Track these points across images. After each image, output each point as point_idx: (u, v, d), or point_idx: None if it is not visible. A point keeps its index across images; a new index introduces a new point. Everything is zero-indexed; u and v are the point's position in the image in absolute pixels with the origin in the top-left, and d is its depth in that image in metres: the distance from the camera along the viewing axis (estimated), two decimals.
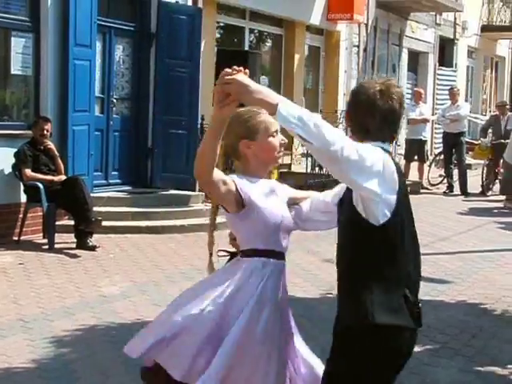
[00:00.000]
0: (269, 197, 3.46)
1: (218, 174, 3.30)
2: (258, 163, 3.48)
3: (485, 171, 15.91)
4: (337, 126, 14.57)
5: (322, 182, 13.78)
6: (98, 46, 11.13)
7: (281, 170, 14.60)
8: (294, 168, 14.72)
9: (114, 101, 11.63)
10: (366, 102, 3.18)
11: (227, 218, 3.47)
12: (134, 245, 9.61)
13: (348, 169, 2.93)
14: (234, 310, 3.30)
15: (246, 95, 3.02)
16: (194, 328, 3.28)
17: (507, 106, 16.78)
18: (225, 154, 3.48)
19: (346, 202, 3.20)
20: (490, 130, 16.42)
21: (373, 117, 3.16)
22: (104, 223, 9.63)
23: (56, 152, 9.64)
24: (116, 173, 11.78)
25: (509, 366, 5.64)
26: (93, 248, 9.09)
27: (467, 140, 17.07)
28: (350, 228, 3.18)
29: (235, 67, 3.08)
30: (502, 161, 14.31)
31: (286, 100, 2.97)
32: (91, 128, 10.66)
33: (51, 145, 9.60)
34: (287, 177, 14.42)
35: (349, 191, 3.14)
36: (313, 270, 8.62)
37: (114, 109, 11.63)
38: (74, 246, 9.16)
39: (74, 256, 8.82)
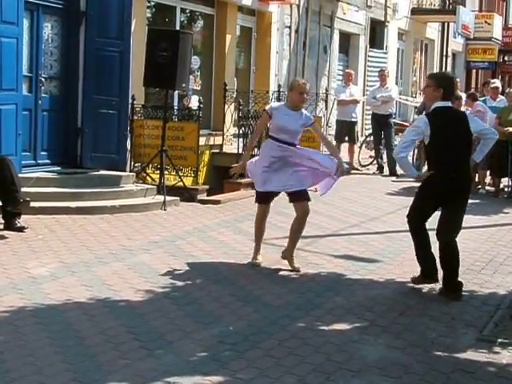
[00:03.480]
0: (284, 117, 7.76)
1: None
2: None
3: (416, 152, 16.08)
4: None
5: None
6: (26, 23, 10.92)
7: (213, 151, 14.61)
8: (226, 148, 14.69)
9: (43, 80, 11.44)
10: None
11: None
12: (63, 226, 9.50)
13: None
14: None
15: None
16: None
17: None
18: None
19: None
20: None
21: None
22: (33, 204, 9.50)
23: None
24: (45, 153, 11.61)
25: (434, 342, 5.76)
26: (21, 229, 8.94)
27: (397, 121, 17.26)
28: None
29: None
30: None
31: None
32: (19, 107, 10.49)
33: None
34: (218, 157, 14.45)
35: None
36: (245, 250, 8.64)
37: (42, 88, 11.44)
38: (1, 227, 9.00)
39: (2, 237, 8.67)
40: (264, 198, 8.02)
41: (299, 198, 7.87)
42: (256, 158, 8.33)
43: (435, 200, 7.15)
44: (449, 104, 7.22)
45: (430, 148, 7.20)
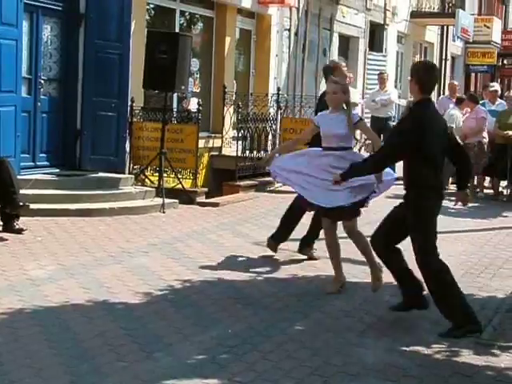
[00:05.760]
0: (327, 121, 7.21)
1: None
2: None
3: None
4: (268, 109, 14.63)
5: (251, 166, 13.82)
6: (25, 25, 10.92)
7: (212, 153, 14.61)
8: (225, 151, 14.69)
9: (42, 82, 11.43)
10: None
11: None
12: (62, 228, 9.49)
13: None
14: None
15: None
16: None
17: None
18: None
19: None
20: None
21: None
22: (32, 206, 9.46)
23: None
24: (44, 155, 11.60)
25: (433, 346, 5.75)
26: (19, 231, 8.92)
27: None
28: None
29: None
30: None
31: None
32: (18, 109, 10.48)
33: None
34: (217, 160, 14.45)
35: None
36: (244, 253, 8.64)
37: (41, 90, 11.42)
38: None
39: (0, 239, 8.66)
40: None
41: None
42: None
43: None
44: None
45: None
